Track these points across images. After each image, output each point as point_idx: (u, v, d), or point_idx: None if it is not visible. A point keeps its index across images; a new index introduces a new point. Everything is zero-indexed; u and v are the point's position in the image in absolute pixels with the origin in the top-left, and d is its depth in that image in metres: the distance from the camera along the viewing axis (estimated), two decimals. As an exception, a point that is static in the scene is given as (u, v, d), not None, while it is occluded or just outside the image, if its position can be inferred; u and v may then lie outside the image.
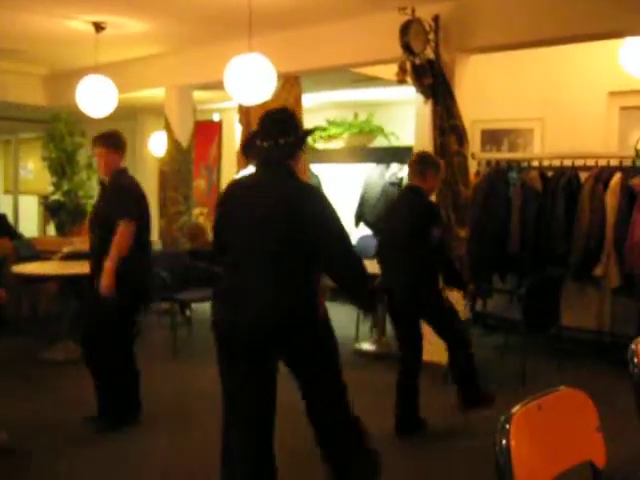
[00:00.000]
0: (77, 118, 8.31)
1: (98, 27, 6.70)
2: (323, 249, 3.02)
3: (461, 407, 4.69)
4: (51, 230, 9.99)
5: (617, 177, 6.11)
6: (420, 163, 4.60)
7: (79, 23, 6.62)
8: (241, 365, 3.02)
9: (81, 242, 7.52)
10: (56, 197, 9.00)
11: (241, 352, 3.01)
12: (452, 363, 4.71)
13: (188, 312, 7.56)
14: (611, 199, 6.08)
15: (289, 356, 3.14)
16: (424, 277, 4.54)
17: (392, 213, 4.74)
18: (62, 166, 8.89)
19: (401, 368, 4.62)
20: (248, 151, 3.29)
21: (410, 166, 4.66)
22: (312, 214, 3.00)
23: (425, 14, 5.65)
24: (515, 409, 1.66)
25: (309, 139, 3.34)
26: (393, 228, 4.59)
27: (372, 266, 4.35)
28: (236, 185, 3.33)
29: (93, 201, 10.28)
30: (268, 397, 3.07)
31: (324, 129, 9.54)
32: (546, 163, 6.78)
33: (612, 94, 7.05)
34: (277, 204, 3.00)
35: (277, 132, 3.11)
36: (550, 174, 6.65)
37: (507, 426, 1.62)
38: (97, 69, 6.97)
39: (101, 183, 4.88)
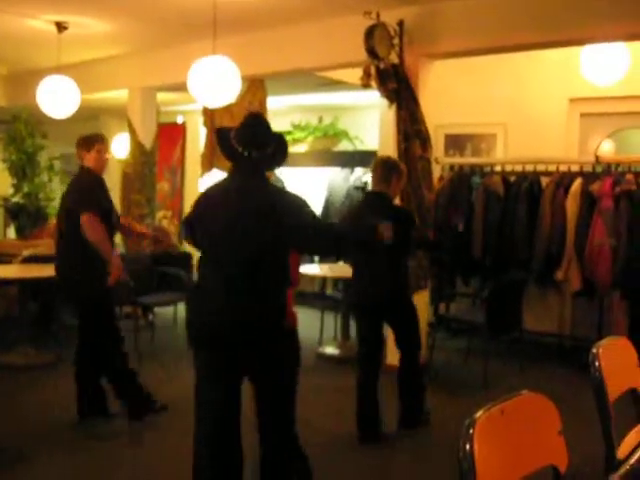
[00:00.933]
0: (38, 119, 8.20)
1: (60, 27, 6.61)
2: (301, 243, 3.14)
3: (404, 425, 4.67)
4: (11, 233, 9.83)
5: (578, 182, 6.19)
6: (384, 168, 4.57)
7: (41, 22, 6.53)
8: (216, 362, 3.19)
9: (43, 245, 7.42)
10: (16, 199, 8.85)
11: (216, 350, 3.18)
12: (408, 370, 4.65)
13: (151, 316, 7.49)
14: (572, 204, 6.17)
15: (253, 362, 3.15)
16: (402, 279, 4.58)
17: (358, 217, 4.55)
18: (22, 168, 8.74)
19: (365, 369, 4.56)
20: (232, 155, 3.18)
21: (374, 171, 4.63)
22: (290, 220, 3.03)
23: (390, 19, 5.67)
24: (478, 414, 1.66)
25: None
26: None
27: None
28: (213, 190, 3.29)
29: (55, 203, 10.19)
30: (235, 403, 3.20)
31: (289, 133, 9.54)
32: (508, 168, 6.85)
33: (573, 101, 7.16)
34: (254, 210, 3.03)
35: (264, 141, 3.14)
36: (512, 179, 6.72)
37: (470, 431, 1.62)
38: (59, 69, 6.88)
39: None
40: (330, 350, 6.71)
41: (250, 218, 3.03)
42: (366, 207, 4.58)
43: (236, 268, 3.04)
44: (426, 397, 4.74)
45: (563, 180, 6.31)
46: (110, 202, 4.81)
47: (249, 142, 3.12)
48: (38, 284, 5.94)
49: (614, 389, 2.44)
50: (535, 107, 7.29)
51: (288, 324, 3.19)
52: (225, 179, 3.29)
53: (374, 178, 4.64)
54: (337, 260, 3.61)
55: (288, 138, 9.91)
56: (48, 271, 5.17)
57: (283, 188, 3.26)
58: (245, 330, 3.05)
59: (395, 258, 4.51)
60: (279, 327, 3.12)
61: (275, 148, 3.17)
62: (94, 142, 4.85)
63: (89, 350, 4.74)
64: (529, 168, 6.60)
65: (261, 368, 3.16)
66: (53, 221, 7.55)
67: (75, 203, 4.55)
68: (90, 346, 4.73)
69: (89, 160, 4.76)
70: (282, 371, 3.19)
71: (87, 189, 4.64)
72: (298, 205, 3.11)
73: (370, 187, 4.68)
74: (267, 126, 3.23)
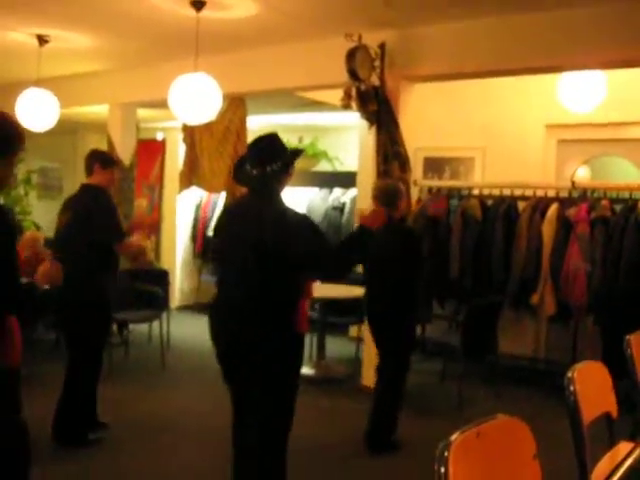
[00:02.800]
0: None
1: (42, 40, 6.58)
2: (306, 266, 3.25)
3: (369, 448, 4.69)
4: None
5: (554, 207, 6.25)
6: (388, 195, 4.68)
7: (22, 35, 6.50)
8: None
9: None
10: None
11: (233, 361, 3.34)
12: (380, 399, 4.72)
13: (126, 332, 7.42)
14: (548, 229, 6.22)
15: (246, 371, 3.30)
16: (408, 297, 4.65)
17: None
18: (-2, 180, 8.66)
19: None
20: (238, 176, 3.47)
21: (376, 198, 4.70)
22: (295, 240, 3.16)
23: (371, 41, 5.72)
24: (453, 436, 1.66)
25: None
26: (382, 256, 4.60)
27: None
28: (229, 209, 3.71)
29: (30, 217, 10.11)
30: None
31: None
32: (486, 192, 6.90)
33: (549, 127, 7.24)
34: (262, 229, 3.19)
35: (265, 159, 3.32)
36: (490, 203, 6.77)
37: (445, 453, 1.62)
38: (39, 82, 6.85)
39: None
40: (305, 370, 6.68)
41: (251, 235, 3.22)
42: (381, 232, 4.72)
43: (239, 280, 3.26)
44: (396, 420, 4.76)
45: (540, 205, 6.37)
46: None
47: (254, 161, 3.35)
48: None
49: (589, 413, 2.45)
50: (513, 132, 7.36)
51: (299, 333, 3.32)
52: (243, 197, 3.53)
53: (376, 204, 4.65)
54: (340, 278, 3.64)
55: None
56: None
57: (289, 210, 3.33)
58: (244, 345, 3.23)
59: (400, 277, 4.62)
60: (279, 345, 3.22)
61: (281, 165, 3.33)
62: (114, 163, 4.92)
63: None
64: (506, 192, 6.65)
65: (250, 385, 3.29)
66: (30, 234, 7.47)
67: (106, 232, 4.57)
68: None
69: (101, 177, 4.70)
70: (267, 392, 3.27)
71: (114, 215, 4.68)
72: (300, 223, 3.25)
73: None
74: (271, 144, 3.41)
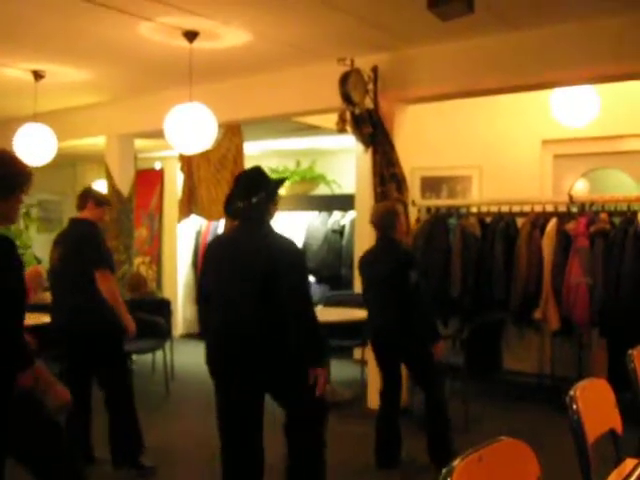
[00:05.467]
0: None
1: (37, 75, 6.63)
2: (286, 300, 3.39)
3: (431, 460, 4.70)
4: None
5: (553, 222, 6.26)
6: (387, 217, 4.78)
7: (18, 71, 6.55)
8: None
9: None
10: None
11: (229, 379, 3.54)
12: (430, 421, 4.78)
13: (129, 363, 7.39)
14: (547, 244, 6.22)
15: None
16: (407, 318, 4.67)
17: (371, 262, 4.87)
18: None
19: (382, 405, 4.87)
20: (229, 210, 3.61)
21: (375, 221, 4.83)
22: (281, 265, 3.37)
23: (364, 65, 5.76)
24: (456, 462, 1.65)
25: (280, 189, 3.75)
26: (376, 275, 4.79)
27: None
28: (219, 240, 3.81)
29: (31, 251, 10.13)
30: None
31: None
32: (484, 209, 6.92)
33: (545, 142, 7.27)
34: (253, 258, 3.41)
35: (250, 192, 3.50)
36: (488, 220, 6.78)
37: (448, 479, 1.62)
38: (36, 117, 6.90)
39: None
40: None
41: (242, 265, 3.43)
42: (379, 252, 4.84)
43: (235, 307, 3.43)
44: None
45: (538, 220, 6.37)
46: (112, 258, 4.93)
47: (239, 194, 3.54)
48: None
49: (593, 431, 2.44)
50: (509, 149, 7.39)
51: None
52: (232, 230, 3.70)
53: (376, 227, 4.82)
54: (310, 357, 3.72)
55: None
56: (38, 319, 5.39)
57: (278, 236, 3.55)
58: (242, 367, 3.43)
59: (394, 297, 4.69)
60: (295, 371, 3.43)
61: (265, 195, 3.52)
62: (107, 202, 4.97)
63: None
64: (505, 209, 6.66)
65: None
66: (33, 269, 7.48)
67: (92, 260, 4.57)
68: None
69: (92, 213, 4.75)
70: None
71: (101, 246, 4.71)
72: (292, 258, 3.47)
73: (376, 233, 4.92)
74: (254, 177, 3.61)
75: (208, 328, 3.63)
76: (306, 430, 3.55)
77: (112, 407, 4.68)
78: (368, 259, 4.94)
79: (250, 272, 3.38)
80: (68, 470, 2.82)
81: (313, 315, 3.48)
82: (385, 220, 4.78)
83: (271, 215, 3.58)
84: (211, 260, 3.67)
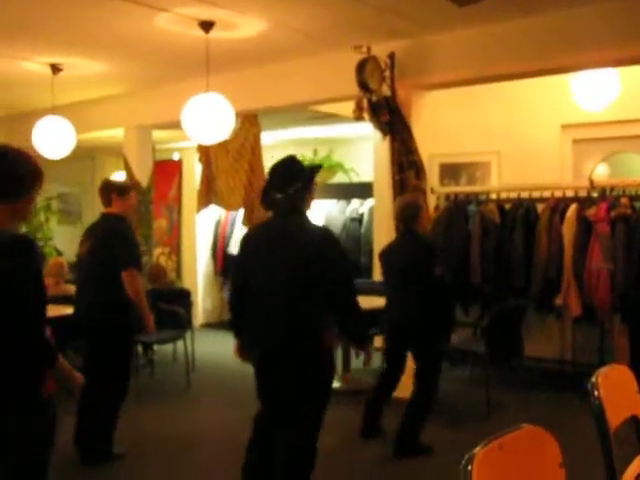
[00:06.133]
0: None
1: (55, 69, 6.66)
2: (331, 293, 3.42)
3: (395, 453, 4.75)
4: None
5: (573, 208, 6.20)
6: (410, 209, 4.83)
7: (36, 65, 6.59)
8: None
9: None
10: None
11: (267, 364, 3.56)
12: (411, 404, 4.80)
13: (151, 353, 7.45)
14: (568, 229, 6.17)
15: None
16: (426, 311, 4.69)
17: (392, 254, 4.93)
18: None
19: (378, 384, 5.06)
20: (265, 202, 3.62)
21: (397, 214, 4.90)
22: (324, 259, 3.39)
23: (381, 52, 5.74)
24: (476, 450, 1.65)
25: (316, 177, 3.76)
26: (396, 266, 4.85)
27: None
28: (256, 231, 3.79)
29: (52, 243, 10.21)
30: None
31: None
32: (503, 195, 6.87)
33: (565, 127, 7.20)
34: (291, 249, 3.42)
35: (285, 182, 3.49)
36: (508, 206, 6.74)
37: (469, 467, 1.61)
38: (54, 110, 6.93)
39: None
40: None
41: (280, 256, 3.43)
42: (401, 245, 4.89)
43: (272, 299, 3.44)
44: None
45: (558, 206, 6.32)
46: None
47: (274, 185, 3.53)
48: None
49: (615, 418, 2.42)
50: (528, 134, 7.33)
51: (324, 349, 3.47)
52: (268, 220, 3.68)
53: (398, 220, 4.90)
54: (356, 343, 3.76)
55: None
56: (59, 310, 5.37)
57: (315, 226, 3.59)
58: (278, 355, 3.46)
59: (413, 289, 4.73)
60: (310, 355, 3.43)
61: (301, 185, 3.51)
62: (129, 188, 4.94)
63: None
64: (524, 195, 6.62)
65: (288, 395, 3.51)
66: (55, 261, 7.55)
67: (120, 258, 4.59)
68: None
69: (119, 205, 4.77)
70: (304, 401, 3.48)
71: (131, 243, 4.73)
72: (331, 248, 3.47)
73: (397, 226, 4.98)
74: (289, 167, 3.60)
75: (242, 318, 3.66)
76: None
77: (101, 402, 4.69)
78: (389, 251, 4.97)
79: (288, 263, 3.39)
80: None
81: (357, 300, 3.50)
82: (408, 213, 4.82)
83: (308, 205, 3.59)
84: (248, 251, 3.67)
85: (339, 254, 3.50)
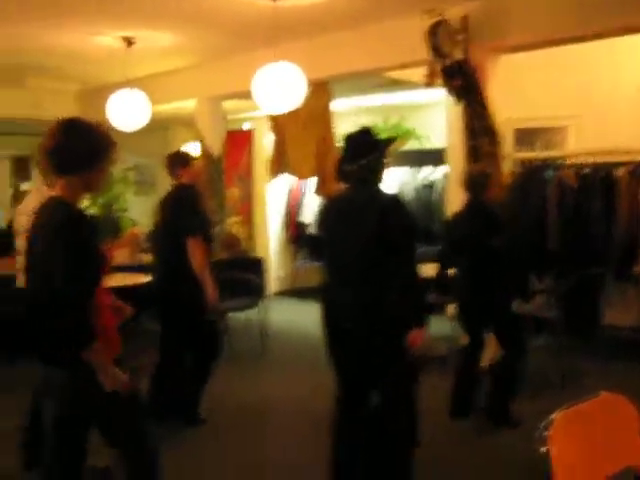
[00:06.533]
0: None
1: (128, 42, 6.76)
2: (393, 261, 3.40)
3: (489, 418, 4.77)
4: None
5: (654, 172, 6.00)
6: (478, 179, 4.81)
7: (110, 39, 6.69)
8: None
9: (120, 255, 7.57)
10: (92, 211, 9.10)
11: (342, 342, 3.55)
12: (500, 370, 4.81)
13: (225, 321, 7.57)
14: (648, 195, 5.98)
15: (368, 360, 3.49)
16: (491, 280, 4.68)
17: (457, 223, 4.94)
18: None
19: (463, 361, 4.97)
20: (339, 174, 3.62)
21: (465, 185, 4.87)
22: (394, 230, 3.38)
23: (453, 15, 5.61)
24: (554, 415, 1.63)
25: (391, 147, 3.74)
26: (463, 237, 4.80)
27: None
28: (332, 203, 3.81)
29: (127, 214, 10.45)
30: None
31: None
32: (581, 160, 6.68)
33: (644, 88, 6.93)
34: (365, 220, 3.41)
35: (359, 153, 3.50)
36: (586, 171, 6.55)
37: (547, 433, 1.59)
38: (128, 83, 7.05)
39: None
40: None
41: (354, 227, 3.45)
42: (467, 215, 4.84)
43: (343, 273, 3.50)
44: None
45: (638, 170, 6.12)
46: (209, 220, 5.07)
47: (349, 156, 3.54)
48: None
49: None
50: (607, 97, 7.09)
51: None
52: (342, 191, 3.68)
53: (467, 189, 4.85)
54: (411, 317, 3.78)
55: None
56: (134, 279, 5.61)
57: (390, 197, 3.56)
58: (352, 322, 3.45)
59: (477, 260, 4.73)
60: (382, 321, 3.40)
61: (375, 156, 3.51)
62: (191, 158, 5.04)
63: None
64: (602, 160, 6.42)
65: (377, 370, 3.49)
66: (131, 231, 7.73)
67: (183, 226, 4.67)
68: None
69: (187, 176, 4.90)
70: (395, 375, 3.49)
71: (193, 211, 4.78)
72: (403, 219, 3.46)
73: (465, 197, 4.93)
74: (362, 138, 3.61)
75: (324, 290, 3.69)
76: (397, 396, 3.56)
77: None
78: (455, 221, 4.96)
79: (360, 234, 3.41)
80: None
81: (417, 278, 3.50)
82: (476, 182, 4.79)
83: (381, 176, 3.58)
84: (324, 223, 3.75)
85: (408, 225, 3.49)
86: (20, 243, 3.95)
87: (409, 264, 3.44)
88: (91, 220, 2.77)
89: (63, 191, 2.69)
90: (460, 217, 4.89)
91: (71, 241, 2.57)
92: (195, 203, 4.85)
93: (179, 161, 4.95)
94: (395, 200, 3.57)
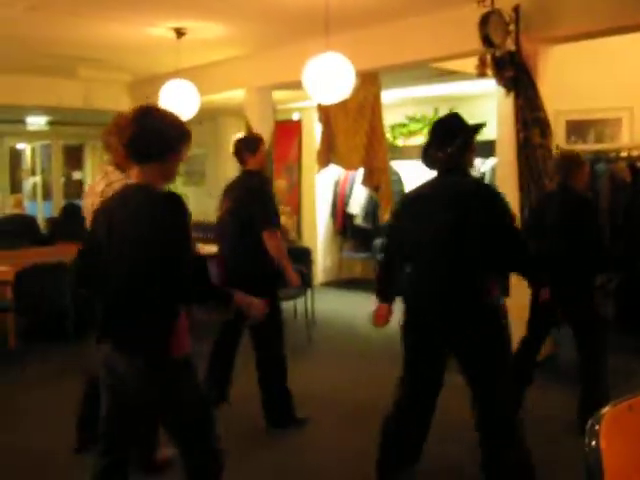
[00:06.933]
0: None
1: (179, 33, 6.83)
2: (504, 243, 3.36)
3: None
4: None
5: None
6: (565, 164, 4.63)
7: (160, 30, 6.77)
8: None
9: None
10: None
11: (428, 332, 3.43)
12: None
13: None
14: None
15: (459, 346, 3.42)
16: (578, 271, 4.51)
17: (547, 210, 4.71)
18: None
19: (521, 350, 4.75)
20: (426, 161, 3.55)
21: (556, 167, 4.74)
22: (485, 211, 3.31)
23: (505, 5, 5.53)
24: (604, 410, 1.60)
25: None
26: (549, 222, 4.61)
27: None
28: (416, 192, 3.63)
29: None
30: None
31: (404, 125, 9.50)
32: (635, 154, 6.55)
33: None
34: (455, 210, 3.34)
35: (446, 140, 3.43)
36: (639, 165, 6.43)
37: (597, 427, 1.57)
38: (178, 73, 7.12)
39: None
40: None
41: (442, 212, 3.34)
42: (553, 201, 4.68)
43: (434, 259, 3.39)
44: None
45: (695, 164, 5.99)
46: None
47: (435, 143, 3.48)
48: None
49: None
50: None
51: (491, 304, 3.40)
52: (430, 179, 3.57)
53: (554, 174, 4.77)
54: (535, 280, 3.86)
55: (403, 131, 9.87)
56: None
57: (481, 184, 3.68)
58: (446, 313, 3.36)
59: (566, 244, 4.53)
60: (479, 310, 3.36)
61: (462, 143, 3.44)
62: (259, 143, 4.82)
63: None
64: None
65: (467, 351, 3.39)
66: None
67: (261, 219, 4.52)
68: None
69: (255, 163, 4.73)
70: (488, 353, 3.36)
71: (269, 201, 4.63)
72: (497, 203, 3.39)
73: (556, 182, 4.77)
74: (450, 124, 3.56)
75: (392, 283, 3.63)
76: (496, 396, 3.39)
77: (263, 366, 4.69)
78: (541, 207, 4.81)
79: (453, 224, 3.31)
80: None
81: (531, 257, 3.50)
82: (562, 167, 4.62)
83: (470, 163, 3.53)
84: (408, 212, 3.58)
85: (506, 210, 3.40)
86: None
87: (524, 250, 3.42)
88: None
89: (140, 179, 2.69)
90: (548, 202, 4.72)
91: (183, 223, 2.62)
92: (268, 191, 4.73)
93: (249, 146, 4.75)
94: (488, 187, 3.58)
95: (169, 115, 2.77)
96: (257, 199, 4.57)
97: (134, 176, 2.72)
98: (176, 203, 2.62)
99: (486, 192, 3.46)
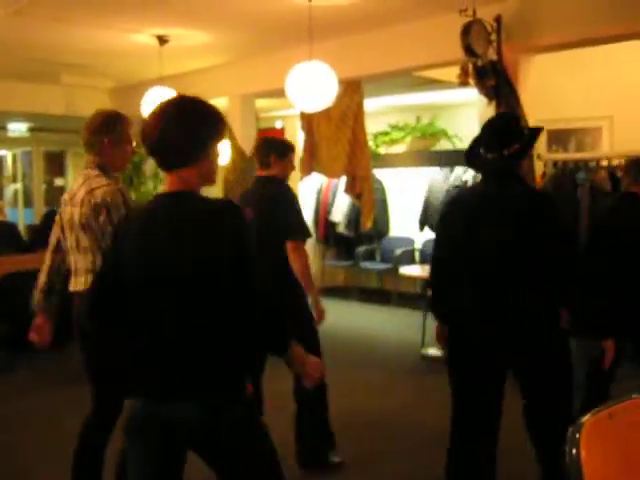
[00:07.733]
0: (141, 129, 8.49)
1: (162, 40, 6.82)
2: (552, 258, 3.04)
3: None
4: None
5: (691, 175, 5.90)
6: (636, 168, 4.07)
7: (144, 37, 6.75)
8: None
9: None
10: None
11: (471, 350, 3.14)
12: None
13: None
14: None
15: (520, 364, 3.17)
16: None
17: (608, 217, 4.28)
18: (129, 177, 9.08)
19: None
20: (471, 161, 3.32)
21: (627, 172, 4.20)
22: (543, 223, 3.03)
23: (486, 15, 5.58)
24: (585, 418, 1.61)
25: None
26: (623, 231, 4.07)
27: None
28: (462, 197, 3.40)
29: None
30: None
31: (386, 133, 9.52)
32: (615, 162, 6.60)
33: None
34: (506, 214, 3.07)
35: (502, 142, 3.12)
36: (620, 174, 6.47)
37: (577, 435, 1.58)
38: (161, 81, 7.10)
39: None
40: (433, 351, 6.65)
41: (494, 222, 3.08)
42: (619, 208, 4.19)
43: (482, 275, 3.09)
44: None
45: (674, 173, 6.02)
46: None
47: (489, 144, 3.16)
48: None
49: None
50: (642, 98, 7.00)
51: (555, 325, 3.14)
52: (476, 184, 3.34)
53: (628, 179, 4.13)
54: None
55: (385, 139, 9.90)
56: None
57: (535, 191, 3.29)
58: (498, 328, 3.06)
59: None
60: (535, 324, 3.06)
61: (519, 147, 3.12)
62: (291, 150, 4.33)
63: None
64: (637, 161, 6.33)
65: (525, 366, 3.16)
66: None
67: (287, 228, 4.03)
68: None
69: (280, 169, 4.21)
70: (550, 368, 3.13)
71: (297, 210, 4.11)
72: (551, 212, 3.11)
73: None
74: (508, 125, 3.23)
75: (446, 296, 3.30)
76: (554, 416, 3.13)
77: (301, 397, 4.33)
78: (602, 217, 4.37)
79: (509, 235, 3.04)
80: None
81: (576, 273, 3.12)
82: (633, 171, 4.08)
83: (523, 170, 3.27)
84: (454, 218, 3.27)
85: (559, 221, 3.12)
86: (71, 239, 3.37)
87: (572, 264, 3.08)
88: None
89: (177, 186, 2.28)
90: (608, 209, 4.28)
91: (249, 236, 2.25)
92: (294, 200, 4.17)
93: (278, 149, 4.23)
94: (546, 197, 3.28)
95: (202, 104, 2.44)
96: (282, 207, 4.06)
97: (168, 184, 2.30)
98: (239, 215, 2.25)
99: (542, 203, 3.13)
